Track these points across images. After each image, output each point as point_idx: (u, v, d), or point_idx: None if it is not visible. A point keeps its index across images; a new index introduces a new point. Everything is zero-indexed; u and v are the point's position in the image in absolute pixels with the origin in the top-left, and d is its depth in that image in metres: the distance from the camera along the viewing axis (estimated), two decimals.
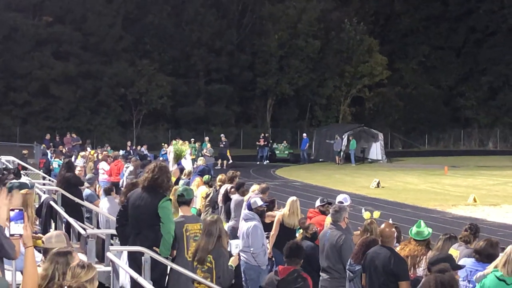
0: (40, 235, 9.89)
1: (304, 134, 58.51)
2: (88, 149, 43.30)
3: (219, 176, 19.80)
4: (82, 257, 13.40)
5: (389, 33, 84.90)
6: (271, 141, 58.55)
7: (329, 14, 77.12)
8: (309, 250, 12.15)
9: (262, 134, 57.79)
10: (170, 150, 42.95)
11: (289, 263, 9.87)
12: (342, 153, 54.98)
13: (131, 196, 10.92)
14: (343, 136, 55.30)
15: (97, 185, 23.66)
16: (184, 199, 11.11)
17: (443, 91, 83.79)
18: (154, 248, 10.16)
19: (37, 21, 65.95)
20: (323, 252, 12.10)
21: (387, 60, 76.59)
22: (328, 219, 12.73)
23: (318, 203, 14.73)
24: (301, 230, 13.83)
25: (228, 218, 17.03)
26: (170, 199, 10.71)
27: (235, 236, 15.01)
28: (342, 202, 13.72)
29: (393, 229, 10.24)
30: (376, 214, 14.72)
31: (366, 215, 13.85)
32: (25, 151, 39.67)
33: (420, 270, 10.62)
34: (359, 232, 12.90)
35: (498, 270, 9.04)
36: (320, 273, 12.35)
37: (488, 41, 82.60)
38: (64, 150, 42.07)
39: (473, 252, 10.15)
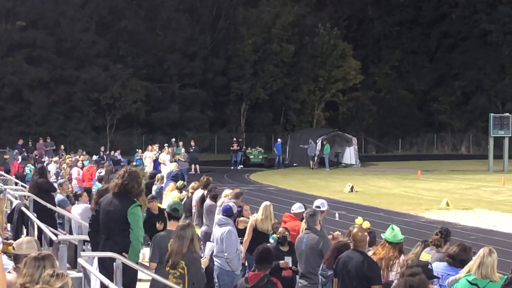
0: (11, 241, 9.80)
1: (279, 140, 58.50)
2: (63, 154, 43.08)
3: (192, 184, 19.70)
4: None
5: (363, 38, 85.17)
6: (244, 147, 58.56)
7: (303, 19, 77.30)
8: None
9: (235, 139, 57.79)
10: (145, 156, 42.96)
11: (259, 268, 9.87)
12: (316, 158, 55.12)
13: (102, 201, 10.89)
14: (317, 141, 55.41)
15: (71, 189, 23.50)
16: (177, 214, 11.12)
17: (416, 95, 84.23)
18: (124, 254, 10.11)
19: (10, 26, 65.52)
20: (301, 257, 12.08)
21: (360, 64, 76.88)
22: (303, 224, 12.68)
23: (297, 208, 14.52)
24: (274, 235, 13.80)
25: (201, 222, 17.02)
26: (140, 205, 10.65)
27: (207, 240, 14.98)
28: (319, 207, 13.69)
29: (366, 233, 10.26)
30: (366, 224, 14.54)
31: (358, 220, 13.80)
32: (6, 156, 39.51)
33: (393, 274, 10.62)
34: (331, 236, 12.91)
35: (471, 275, 9.09)
36: (299, 280, 12.35)
37: (460, 46, 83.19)
38: (37, 156, 41.82)
39: (446, 256, 10.19)
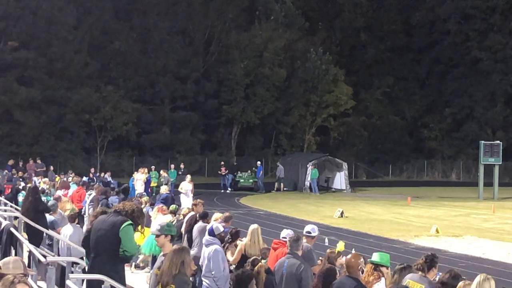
0: None
1: (258, 162, 58.32)
2: (55, 176, 42.99)
3: (185, 209, 19.71)
4: (42, 284, 13.27)
5: (354, 63, 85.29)
6: (237, 171, 58.09)
7: (295, 43, 77.50)
8: None
9: (223, 163, 57.74)
10: (137, 178, 42.68)
11: None
12: (307, 182, 55.49)
13: (95, 221, 11.02)
14: (308, 165, 55.60)
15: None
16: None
17: (407, 122, 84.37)
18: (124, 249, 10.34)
19: (2, 46, 65.49)
20: (281, 281, 12.01)
21: (352, 90, 77.10)
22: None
23: (288, 235, 14.43)
24: (263, 260, 13.71)
25: (190, 246, 16.97)
26: (132, 224, 10.70)
27: (197, 265, 14.91)
28: (310, 232, 13.67)
29: (360, 260, 10.18)
30: (341, 246, 14.35)
31: (340, 245, 13.74)
32: None
33: None
34: (320, 261, 12.85)
35: None
36: None
37: (451, 73, 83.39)
38: (22, 177, 41.63)
39: (438, 283, 10.17)
